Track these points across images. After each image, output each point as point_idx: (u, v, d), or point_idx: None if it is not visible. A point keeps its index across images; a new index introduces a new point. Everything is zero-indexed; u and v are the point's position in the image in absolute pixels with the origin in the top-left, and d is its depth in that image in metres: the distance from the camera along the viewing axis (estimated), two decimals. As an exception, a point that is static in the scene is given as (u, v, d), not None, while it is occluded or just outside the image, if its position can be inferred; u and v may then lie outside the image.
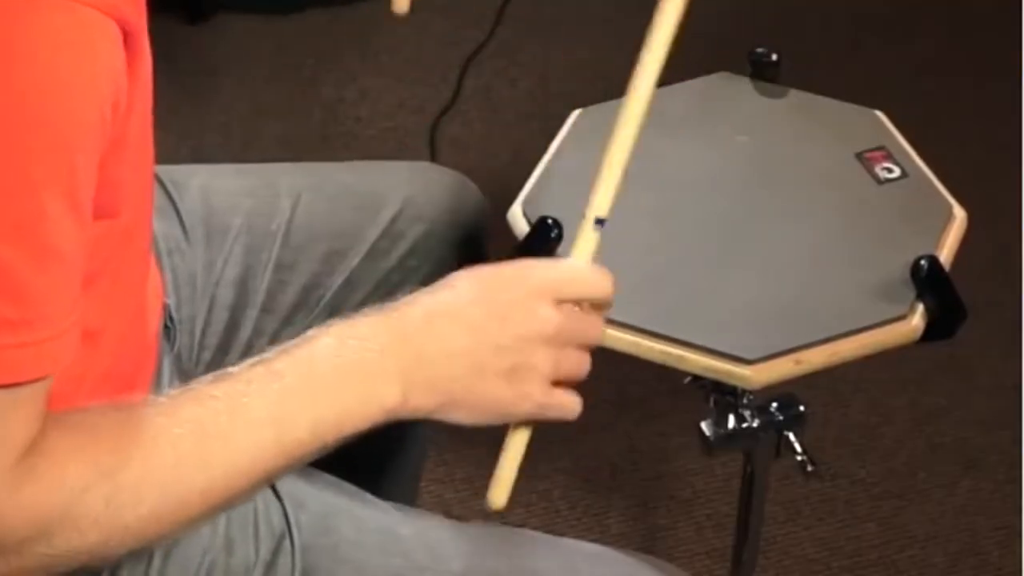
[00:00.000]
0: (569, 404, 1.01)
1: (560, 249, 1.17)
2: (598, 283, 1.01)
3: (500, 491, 1.04)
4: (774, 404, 1.23)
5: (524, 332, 0.97)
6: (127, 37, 0.83)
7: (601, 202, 1.03)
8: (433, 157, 2.39)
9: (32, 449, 0.84)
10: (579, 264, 1.02)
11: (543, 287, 0.98)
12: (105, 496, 0.86)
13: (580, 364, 1.00)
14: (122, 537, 0.89)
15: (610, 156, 1.04)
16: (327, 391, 0.94)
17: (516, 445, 1.03)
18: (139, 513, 0.88)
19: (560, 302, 0.98)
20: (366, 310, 0.97)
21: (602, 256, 1.03)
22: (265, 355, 0.94)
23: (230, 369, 0.94)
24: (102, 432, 0.88)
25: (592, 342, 1.00)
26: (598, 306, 1.01)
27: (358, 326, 0.96)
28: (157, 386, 1.14)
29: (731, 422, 1.22)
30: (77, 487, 0.85)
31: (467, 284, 0.98)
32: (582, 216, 1.03)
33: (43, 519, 0.85)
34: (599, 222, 1.03)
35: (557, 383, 1.00)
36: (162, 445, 0.89)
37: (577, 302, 0.99)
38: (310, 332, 0.96)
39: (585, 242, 1.03)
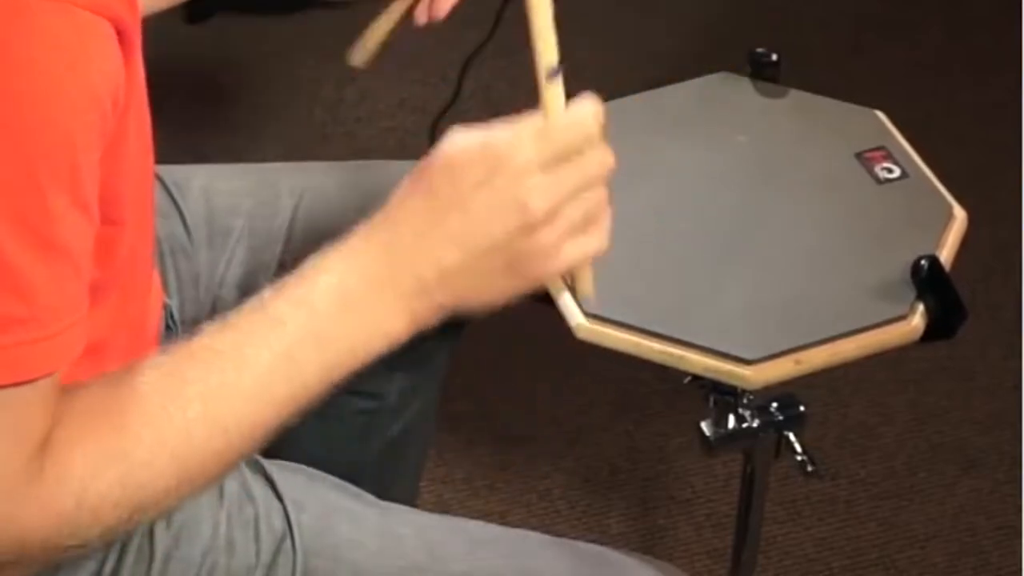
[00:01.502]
0: (593, 248, 0.97)
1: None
2: (577, 123, 0.95)
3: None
4: (774, 404, 1.22)
5: (511, 227, 0.93)
6: (121, 36, 0.83)
7: (546, 53, 0.97)
8: (433, 157, 2.39)
9: (42, 444, 0.84)
10: (549, 123, 0.96)
11: (521, 166, 0.93)
12: (119, 478, 0.86)
13: (594, 204, 0.95)
14: (143, 512, 0.88)
15: (533, 6, 0.97)
16: (331, 332, 0.92)
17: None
18: (157, 487, 0.88)
19: (548, 166, 0.93)
20: (356, 231, 0.95)
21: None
22: (263, 297, 0.92)
23: (228, 318, 0.92)
24: (106, 413, 0.87)
25: (602, 177, 0.95)
26: (589, 145, 0.95)
27: (352, 259, 0.94)
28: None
29: (731, 422, 1.22)
30: (86, 474, 0.85)
31: (442, 183, 0.94)
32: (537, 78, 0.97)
33: (60, 513, 0.85)
34: (553, 73, 0.97)
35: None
36: (172, 413, 0.88)
37: (566, 155, 0.94)
38: (306, 266, 0.94)
39: (550, 99, 0.97)
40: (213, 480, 0.92)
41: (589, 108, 0.96)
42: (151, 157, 1.04)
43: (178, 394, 0.89)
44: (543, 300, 1.14)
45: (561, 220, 0.94)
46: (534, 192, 0.93)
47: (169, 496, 0.89)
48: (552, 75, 0.97)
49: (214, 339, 0.91)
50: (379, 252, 0.94)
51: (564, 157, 0.94)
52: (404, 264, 0.93)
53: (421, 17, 1.36)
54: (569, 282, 1.03)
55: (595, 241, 0.97)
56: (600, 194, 0.96)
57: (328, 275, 0.93)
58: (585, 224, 0.96)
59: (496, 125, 0.96)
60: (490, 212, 0.93)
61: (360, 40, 1.30)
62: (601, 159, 0.96)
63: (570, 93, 0.98)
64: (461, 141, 0.96)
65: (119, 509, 0.87)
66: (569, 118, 0.96)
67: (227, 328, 0.92)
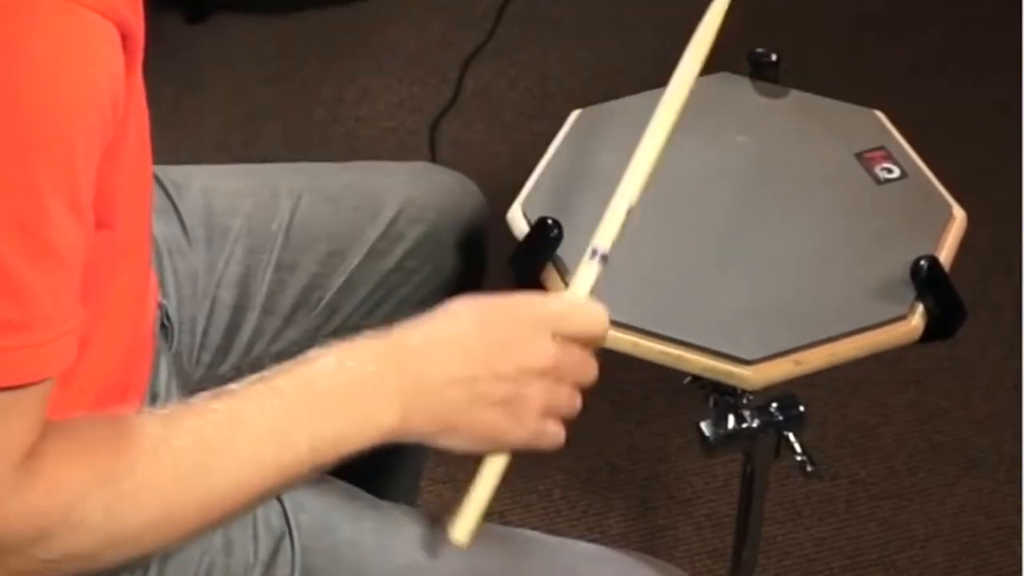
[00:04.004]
0: (557, 436, 1.01)
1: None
2: (594, 319, 1.01)
3: (465, 526, 1.01)
4: (774, 404, 1.22)
5: (522, 363, 0.97)
6: (125, 40, 0.83)
7: (603, 235, 1.04)
8: (433, 157, 2.40)
9: (33, 453, 0.84)
10: (576, 299, 1.03)
11: (541, 320, 0.98)
12: (105, 504, 0.86)
13: (572, 401, 1.00)
14: (120, 545, 0.89)
15: (619, 191, 1.06)
16: (326, 410, 0.94)
17: (490, 479, 1.02)
18: (138, 522, 0.89)
19: (557, 336, 0.98)
20: (366, 333, 0.97)
21: (601, 290, 1.03)
22: (266, 373, 0.94)
23: (231, 386, 0.94)
24: (103, 441, 0.88)
25: (585, 381, 1.01)
26: (590, 344, 1.01)
27: (358, 348, 0.96)
28: (154, 385, 1.14)
29: (731, 422, 1.22)
30: (77, 492, 0.86)
31: (466, 313, 0.98)
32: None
33: (42, 522, 0.85)
34: (599, 256, 1.04)
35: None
36: (163, 455, 0.89)
37: (573, 338, 0.99)
38: (311, 352, 0.96)
39: (583, 274, 1.04)
40: (193, 531, 0.93)
41: (606, 315, 1.01)
42: (149, 162, 1.04)
43: (171, 441, 0.90)
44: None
45: (555, 388, 0.99)
46: (547, 344, 0.98)
47: (148, 533, 0.90)
48: (595, 257, 1.04)
49: (213, 400, 0.93)
50: (388, 347, 0.96)
51: (575, 336, 0.99)
52: (412, 362, 0.96)
53: None
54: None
55: (558, 434, 1.00)
56: (578, 400, 1.00)
57: (330, 357, 0.95)
58: (563, 410, 1.00)
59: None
60: (509, 342, 0.97)
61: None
62: (593, 365, 1.01)
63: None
64: (482, 297, 1.00)
65: (97, 534, 0.87)
66: (593, 311, 1.01)
67: (227, 392, 0.93)
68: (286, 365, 0.95)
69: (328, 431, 0.94)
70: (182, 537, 0.93)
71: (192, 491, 0.90)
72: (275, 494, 0.96)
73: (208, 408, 0.92)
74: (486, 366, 0.96)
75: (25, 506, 0.84)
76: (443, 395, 0.96)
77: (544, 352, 0.97)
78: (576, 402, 1.01)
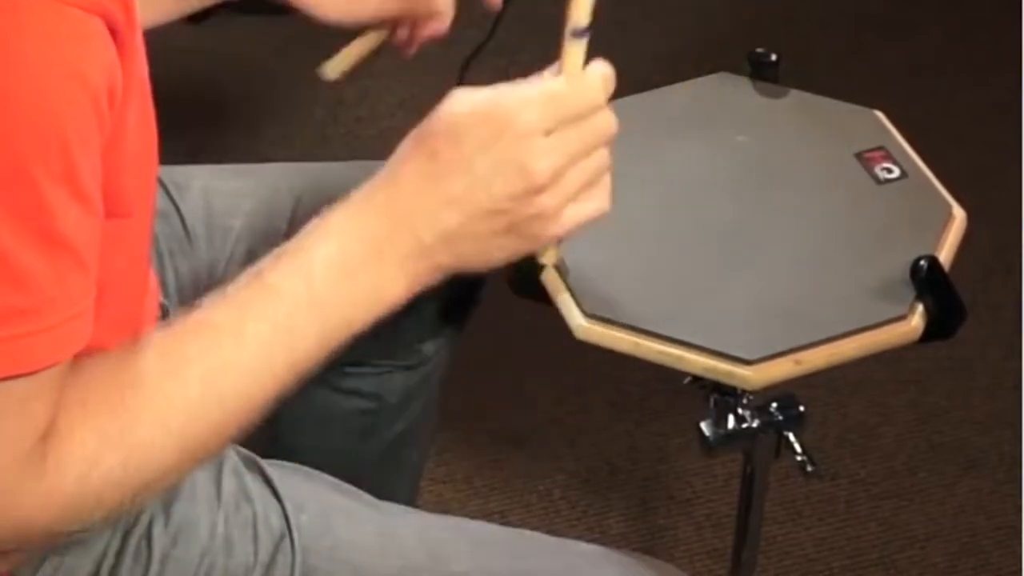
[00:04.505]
0: (594, 210, 0.96)
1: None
2: (589, 91, 0.94)
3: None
4: (774, 404, 1.22)
5: (514, 191, 0.93)
6: (115, 34, 0.83)
7: (578, 14, 0.97)
8: (433, 157, 2.39)
9: (44, 435, 0.84)
10: (557, 85, 0.96)
11: (526, 129, 0.93)
12: (120, 461, 0.86)
13: (599, 164, 0.95)
14: (146, 490, 0.89)
15: None
16: (330, 301, 0.92)
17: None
18: (158, 466, 0.88)
19: (551, 130, 0.93)
20: (357, 193, 0.94)
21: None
22: (261, 266, 0.93)
23: (227, 290, 0.92)
24: (106, 397, 0.87)
25: (607, 140, 0.95)
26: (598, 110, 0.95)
27: (353, 221, 0.93)
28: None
29: (731, 422, 1.22)
30: (88, 460, 0.85)
31: (445, 145, 0.93)
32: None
33: (63, 501, 0.85)
34: (579, 33, 0.96)
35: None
36: (170, 393, 0.88)
37: (575, 117, 0.94)
38: (304, 233, 0.94)
39: (570, 56, 0.96)
40: (214, 452, 0.93)
41: (599, 74, 0.95)
42: (154, 154, 1.03)
43: (177, 374, 0.89)
44: (542, 300, 1.14)
45: (563, 184, 0.94)
46: (538, 156, 0.93)
47: (170, 473, 0.90)
48: (577, 35, 0.96)
49: (212, 314, 0.91)
50: (379, 213, 0.93)
51: (569, 121, 0.94)
52: (404, 225, 0.93)
53: (407, 49, 1.39)
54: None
55: (595, 204, 0.96)
56: (602, 158, 0.95)
57: (327, 243, 0.93)
58: (587, 188, 0.95)
59: (501, 86, 0.96)
60: (493, 175, 0.93)
61: (336, 56, 1.35)
62: (605, 124, 0.95)
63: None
64: (465, 102, 0.95)
65: (121, 490, 0.87)
66: (577, 83, 0.95)
67: (225, 302, 0.92)
68: (282, 252, 0.93)
69: (334, 321, 0.92)
70: (207, 459, 0.93)
71: (206, 418, 0.89)
72: (291, 388, 0.94)
73: (209, 324, 0.91)
74: (476, 209, 0.93)
75: (44, 490, 0.84)
76: (443, 249, 0.93)
77: (535, 171, 0.92)
78: (601, 161, 0.95)
